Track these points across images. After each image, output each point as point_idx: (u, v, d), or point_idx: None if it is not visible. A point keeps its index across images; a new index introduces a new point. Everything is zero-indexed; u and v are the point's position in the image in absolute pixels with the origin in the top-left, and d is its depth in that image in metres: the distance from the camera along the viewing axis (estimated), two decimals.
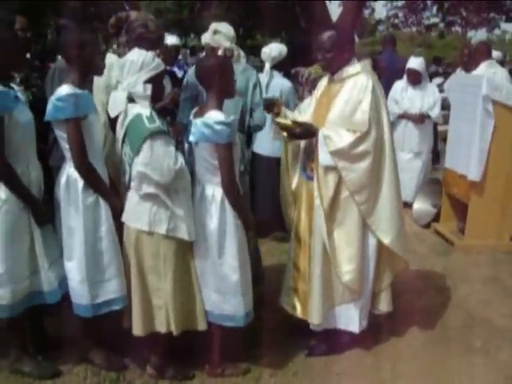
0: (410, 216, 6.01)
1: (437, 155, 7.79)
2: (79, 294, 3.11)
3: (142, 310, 3.09)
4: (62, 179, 3.08)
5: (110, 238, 3.10)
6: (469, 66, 6.87)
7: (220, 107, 3.04)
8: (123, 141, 3.01)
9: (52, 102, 2.96)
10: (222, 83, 3.06)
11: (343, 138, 3.22)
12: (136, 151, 2.90)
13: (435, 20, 17.85)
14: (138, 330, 3.11)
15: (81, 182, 3.03)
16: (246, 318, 3.17)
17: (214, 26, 4.21)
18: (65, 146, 3.03)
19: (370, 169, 3.27)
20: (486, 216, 5.21)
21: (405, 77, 6.64)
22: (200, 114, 3.06)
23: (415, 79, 6.52)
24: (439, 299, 4.29)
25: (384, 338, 3.74)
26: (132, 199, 3.04)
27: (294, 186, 3.66)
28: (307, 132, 3.33)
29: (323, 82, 3.57)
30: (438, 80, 9.01)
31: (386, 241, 3.39)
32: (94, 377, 3.27)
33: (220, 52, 3.94)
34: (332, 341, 3.58)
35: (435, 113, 6.54)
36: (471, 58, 6.61)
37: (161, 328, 3.11)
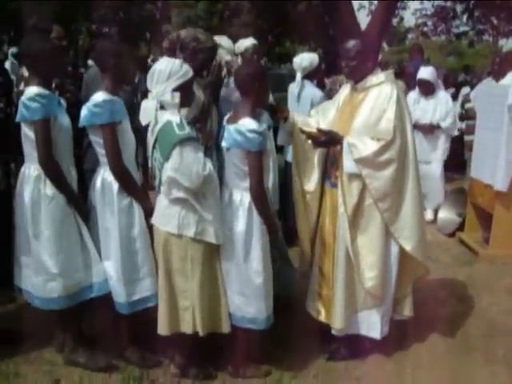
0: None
1: (463, 164, 7.75)
2: (116, 292, 3.25)
3: (168, 311, 3.18)
4: (97, 182, 3.22)
5: (143, 238, 3.23)
6: (497, 75, 6.79)
7: (253, 115, 3.10)
8: (154, 147, 3.10)
9: (88, 107, 3.10)
10: (258, 91, 3.14)
11: (368, 146, 3.27)
12: (166, 157, 2.98)
13: (465, 28, 17.72)
14: (163, 329, 3.19)
15: (116, 185, 3.16)
16: (267, 321, 3.23)
17: (215, 39, 4.34)
18: (100, 150, 3.17)
19: (394, 177, 3.31)
20: (511, 226, 5.19)
21: (417, 87, 6.57)
22: (233, 120, 3.14)
23: (427, 90, 6.42)
24: (462, 308, 4.29)
25: (405, 344, 3.75)
26: (162, 203, 3.13)
27: (310, 187, 3.66)
28: (332, 140, 3.38)
29: (345, 91, 3.63)
30: (465, 89, 8.91)
31: (408, 248, 3.42)
32: (119, 374, 3.37)
33: (223, 63, 4.08)
34: (353, 346, 3.61)
35: (447, 123, 6.38)
36: (499, 67, 6.51)
37: (187, 329, 3.19)
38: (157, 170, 3.11)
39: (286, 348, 3.63)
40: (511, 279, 4.84)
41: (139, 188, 3.30)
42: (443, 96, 6.55)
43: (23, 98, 3.09)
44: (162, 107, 3.07)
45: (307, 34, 20.02)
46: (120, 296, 3.24)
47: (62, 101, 3.29)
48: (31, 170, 3.17)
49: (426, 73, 6.44)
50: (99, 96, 3.11)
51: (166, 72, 3.04)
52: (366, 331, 3.55)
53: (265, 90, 3.22)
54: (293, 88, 5.45)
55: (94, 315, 3.57)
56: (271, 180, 4.76)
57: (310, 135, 3.42)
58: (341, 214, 3.40)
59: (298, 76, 5.38)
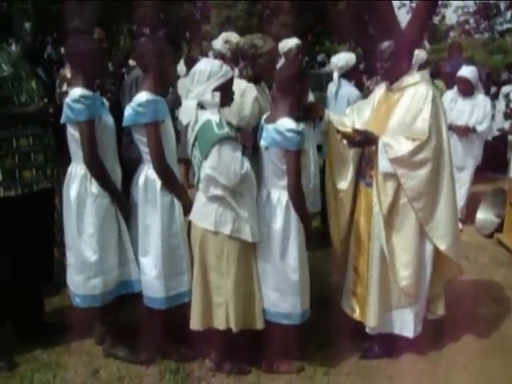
0: None
1: (505, 164, 7.62)
2: (155, 287, 3.32)
3: (202, 306, 3.24)
4: (140, 180, 3.31)
5: (182, 234, 3.32)
6: None
7: (292, 115, 3.14)
8: (193, 145, 3.17)
9: (132, 107, 3.19)
10: (298, 92, 3.18)
11: (403, 146, 3.29)
12: (205, 155, 3.05)
13: (509, 25, 17.37)
14: (196, 324, 3.27)
15: (159, 183, 3.25)
16: (302, 316, 3.28)
17: (224, 35, 4.59)
18: (144, 148, 3.26)
19: (429, 176, 3.32)
20: None
21: (455, 86, 6.33)
22: (271, 119, 3.19)
23: (466, 89, 6.16)
24: (498, 309, 4.28)
25: (440, 344, 3.75)
26: (200, 200, 3.20)
27: (344, 186, 3.67)
28: (367, 140, 3.41)
29: (380, 91, 3.64)
30: (508, 88, 8.74)
31: (443, 247, 3.43)
32: (156, 366, 3.46)
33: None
34: (386, 344, 3.62)
35: (483, 127, 6.08)
36: None
37: (220, 325, 3.24)
38: (196, 168, 3.19)
39: (320, 345, 3.67)
40: None
41: (180, 186, 3.39)
42: (482, 99, 6.27)
43: (68, 100, 3.18)
44: (202, 107, 3.14)
45: (347, 33, 19.87)
46: (158, 291, 3.31)
47: (105, 100, 3.38)
48: (78, 169, 3.27)
49: (467, 71, 6.19)
50: (143, 96, 3.19)
51: (207, 72, 3.10)
52: (399, 330, 3.56)
53: (304, 90, 3.26)
54: (331, 87, 5.49)
55: (133, 310, 3.64)
56: (312, 180, 4.84)
57: (345, 135, 3.45)
58: (376, 213, 3.43)
59: (335, 75, 5.43)
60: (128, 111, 3.21)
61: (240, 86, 3.51)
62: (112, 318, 3.53)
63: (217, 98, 3.09)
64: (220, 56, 4.80)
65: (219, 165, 3.01)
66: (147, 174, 3.30)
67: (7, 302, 3.52)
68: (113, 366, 3.47)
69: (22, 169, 3.38)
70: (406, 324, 3.54)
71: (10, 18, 3.47)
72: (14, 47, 4.52)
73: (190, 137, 3.19)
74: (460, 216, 5.89)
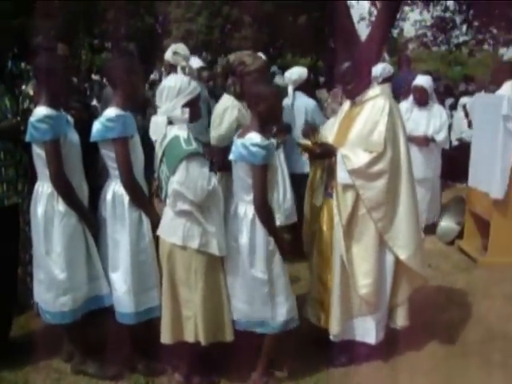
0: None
1: (465, 174, 7.77)
2: (124, 303, 3.33)
3: (171, 320, 3.26)
4: (108, 195, 3.32)
5: (151, 250, 3.34)
6: (493, 86, 6.87)
7: (261, 130, 3.18)
8: (161, 160, 3.19)
9: (101, 122, 3.20)
10: (268, 109, 3.21)
11: (360, 158, 3.38)
12: (172, 170, 3.08)
13: (465, 38, 17.86)
14: (166, 338, 3.29)
15: (126, 198, 3.27)
16: (281, 325, 3.30)
17: (173, 47, 4.75)
18: (111, 164, 3.27)
19: (387, 187, 3.40)
20: (509, 233, 5.27)
21: (410, 97, 6.27)
22: (242, 134, 3.23)
23: (422, 98, 6.11)
24: (460, 314, 4.36)
25: (404, 350, 3.80)
26: (167, 215, 3.22)
27: (317, 203, 3.80)
28: (327, 152, 3.51)
29: (347, 104, 3.74)
30: (465, 99, 8.95)
31: (403, 257, 3.50)
32: (125, 382, 3.45)
33: (179, 69, 4.45)
34: (352, 352, 3.68)
35: (441, 137, 6.11)
36: (496, 78, 6.58)
37: (189, 338, 3.27)
38: (163, 183, 3.21)
39: (287, 355, 3.70)
40: (509, 286, 4.90)
41: (148, 201, 3.41)
42: (437, 109, 6.27)
43: (32, 119, 3.18)
44: (171, 122, 3.17)
45: (308, 46, 20.18)
46: (127, 307, 3.32)
47: (70, 117, 3.38)
48: (44, 187, 3.27)
49: (422, 80, 6.18)
50: (112, 111, 3.21)
51: (176, 89, 3.14)
52: (361, 337, 3.63)
53: (275, 107, 3.27)
54: (286, 101, 5.60)
55: (101, 326, 3.65)
56: (288, 193, 4.94)
57: (306, 148, 3.54)
58: (336, 223, 3.51)
59: (290, 89, 5.57)
60: (97, 126, 3.22)
61: (226, 102, 3.55)
62: (80, 334, 3.51)
63: (186, 113, 3.12)
64: (169, 66, 4.90)
65: (187, 180, 3.03)
66: (115, 189, 3.31)
67: None
68: (82, 382, 3.45)
69: None
70: (367, 331, 3.61)
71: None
72: None
73: (158, 152, 3.21)
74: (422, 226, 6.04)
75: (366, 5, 16.30)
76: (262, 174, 3.12)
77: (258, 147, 3.08)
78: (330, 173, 3.59)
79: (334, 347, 3.69)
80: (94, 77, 15.12)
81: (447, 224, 6.42)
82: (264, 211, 3.20)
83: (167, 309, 3.26)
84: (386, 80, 6.39)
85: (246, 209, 3.22)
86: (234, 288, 3.30)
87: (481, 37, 17.88)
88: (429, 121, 6.15)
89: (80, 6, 16.29)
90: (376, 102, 3.47)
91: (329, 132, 3.78)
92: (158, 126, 3.18)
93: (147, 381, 3.46)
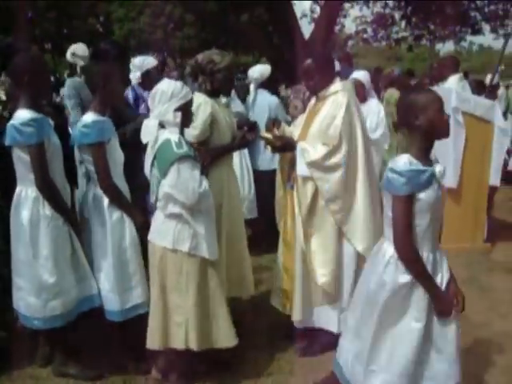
0: None
1: None
2: (110, 301, 3.36)
3: (160, 326, 3.24)
4: (89, 198, 3.35)
5: (134, 249, 3.37)
6: (437, 80, 7.12)
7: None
8: (152, 164, 3.20)
9: (78, 128, 3.22)
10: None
11: (317, 151, 3.50)
12: (163, 173, 3.10)
13: (404, 34, 18.31)
14: (153, 343, 3.27)
15: (106, 200, 3.30)
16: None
17: (72, 48, 5.00)
18: (90, 168, 3.30)
19: (343, 180, 3.52)
20: (461, 220, 5.53)
21: None
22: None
23: (359, 93, 5.35)
24: None
25: None
26: (158, 218, 3.24)
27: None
28: (287, 145, 3.64)
29: (312, 100, 3.85)
30: None
31: (360, 248, 3.60)
32: (103, 382, 3.46)
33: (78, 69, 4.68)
34: (323, 341, 3.79)
35: (377, 134, 5.74)
36: (439, 72, 6.82)
37: (179, 345, 3.24)
38: (154, 186, 3.22)
39: (260, 346, 3.80)
40: (464, 270, 5.16)
41: (128, 202, 3.42)
42: (375, 104, 5.93)
43: (15, 123, 3.12)
44: (162, 126, 3.19)
45: (251, 43, 20.24)
46: (113, 305, 3.35)
47: (50, 120, 3.35)
48: (28, 192, 3.23)
49: (359, 74, 5.85)
50: (88, 117, 3.23)
51: (169, 93, 3.15)
52: (325, 325, 3.74)
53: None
54: (248, 98, 5.69)
55: (82, 326, 3.62)
56: (252, 189, 5.06)
57: (267, 141, 3.64)
58: (297, 213, 3.63)
59: (251, 86, 5.65)
60: (74, 132, 3.25)
61: (198, 99, 3.61)
62: (63, 337, 3.49)
63: (178, 118, 3.15)
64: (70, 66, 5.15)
65: (178, 183, 3.05)
66: (95, 191, 3.34)
67: None
68: None
69: None
70: (330, 319, 3.71)
71: None
72: None
73: (150, 155, 3.22)
74: None
75: (308, 2, 16.49)
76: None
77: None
78: (292, 165, 3.69)
79: (305, 336, 3.80)
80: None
81: None
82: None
83: (156, 314, 3.26)
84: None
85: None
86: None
87: (419, 32, 18.35)
88: (365, 117, 5.87)
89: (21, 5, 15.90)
90: (336, 98, 3.58)
91: (297, 127, 3.88)
92: (149, 129, 3.20)
93: (124, 381, 3.46)
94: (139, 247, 3.40)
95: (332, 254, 3.59)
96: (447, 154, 5.41)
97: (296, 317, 3.69)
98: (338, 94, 3.60)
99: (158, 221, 3.24)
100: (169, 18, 23.26)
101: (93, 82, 3.37)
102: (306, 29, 13.65)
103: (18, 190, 3.30)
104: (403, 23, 17.12)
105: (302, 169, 3.55)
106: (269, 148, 3.84)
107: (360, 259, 3.64)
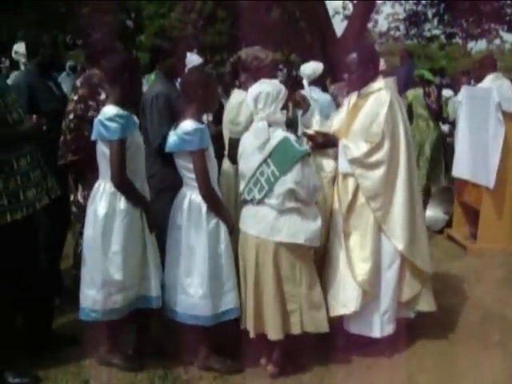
0: None
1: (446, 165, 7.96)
2: (201, 306, 3.35)
3: (279, 316, 3.33)
4: (184, 203, 3.38)
5: (228, 254, 3.39)
6: (475, 79, 7.06)
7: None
8: (264, 162, 3.27)
9: (178, 135, 3.27)
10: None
11: (360, 148, 3.52)
12: (285, 171, 3.20)
13: (436, 32, 18.13)
14: (276, 333, 3.35)
15: (204, 207, 3.33)
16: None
17: (15, 46, 5.35)
18: (188, 174, 3.35)
19: (384, 177, 3.53)
20: (497, 220, 5.49)
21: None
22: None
23: None
24: (457, 299, 4.57)
25: (408, 335, 3.89)
26: (268, 215, 3.30)
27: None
28: (329, 142, 3.66)
29: (353, 97, 3.85)
30: (447, 92, 9.06)
31: (400, 247, 3.60)
32: (144, 373, 3.51)
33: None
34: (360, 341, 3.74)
35: None
36: (477, 71, 6.78)
37: (296, 330, 3.37)
38: (263, 184, 3.28)
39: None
40: (500, 270, 5.14)
41: (226, 208, 3.47)
42: None
43: (102, 118, 3.19)
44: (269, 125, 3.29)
45: (282, 40, 20.22)
46: (205, 310, 3.34)
47: (136, 118, 3.40)
48: (107, 186, 3.27)
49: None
50: (189, 124, 3.26)
51: (274, 94, 3.28)
52: (367, 331, 3.68)
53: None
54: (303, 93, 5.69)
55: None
56: None
57: (310, 137, 3.65)
58: (336, 210, 3.64)
59: (305, 82, 5.67)
60: (173, 138, 3.30)
61: (240, 96, 3.67)
62: (116, 327, 3.54)
63: (284, 116, 3.27)
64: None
65: (302, 179, 3.19)
66: (191, 197, 3.37)
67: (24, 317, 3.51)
68: (102, 375, 3.49)
69: (25, 189, 3.26)
70: (372, 325, 3.66)
71: None
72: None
73: (256, 155, 3.30)
74: None
75: None
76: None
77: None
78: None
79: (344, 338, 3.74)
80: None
81: (435, 213, 6.61)
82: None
83: (274, 306, 3.33)
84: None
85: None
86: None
87: (451, 30, 18.15)
88: None
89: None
90: (379, 95, 3.59)
91: (336, 121, 3.90)
92: (260, 131, 3.28)
93: (166, 372, 3.51)
94: (232, 253, 3.43)
95: (370, 251, 3.59)
96: (485, 153, 5.37)
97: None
98: (381, 92, 3.60)
99: (269, 217, 3.30)
100: (199, 15, 23.34)
101: (189, 91, 3.38)
102: (339, 26, 13.62)
103: (97, 183, 3.37)
104: (435, 21, 16.94)
105: (343, 165, 3.57)
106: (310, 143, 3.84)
107: (400, 258, 3.65)
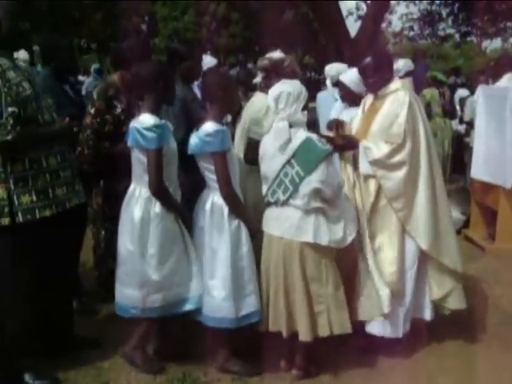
0: None
1: (463, 166, 7.93)
2: (224, 308, 3.36)
3: (308, 317, 3.33)
4: (207, 205, 3.40)
5: (250, 257, 3.40)
6: (492, 78, 7.03)
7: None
8: (287, 162, 3.29)
9: (199, 136, 3.29)
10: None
11: (381, 149, 3.53)
12: (310, 170, 3.22)
13: (450, 31, 18.06)
14: (306, 335, 3.34)
15: (226, 209, 3.35)
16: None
17: (15, 54, 4.87)
18: (210, 176, 3.36)
19: (406, 178, 3.54)
20: None
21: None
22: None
23: (346, 96, 4.77)
24: (477, 300, 4.49)
25: (429, 337, 3.92)
26: (294, 215, 3.31)
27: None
28: (349, 144, 3.66)
29: (369, 98, 3.87)
30: (462, 92, 9.01)
31: (424, 246, 3.61)
32: (162, 375, 3.53)
33: None
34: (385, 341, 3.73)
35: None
36: (494, 70, 6.74)
37: (324, 332, 3.35)
38: (287, 184, 3.30)
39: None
40: None
41: (247, 210, 3.49)
42: None
43: (139, 126, 3.23)
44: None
45: (296, 42, 20.24)
46: (228, 312, 3.35)
47: (170, 125, 3.44)
48: (142, 191, 3.31)
49: (345, 77, 4.75)
50: (210, 126, 3.29)
51: (295, 94, 3.30)
52: (391, 333, 3.66)
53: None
54: (323, 95, 5.70)
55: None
56: None
57: (329, 139, 3.66)
58: (360, 211, 3.62)
59: (328, 83, 5.69)
60: (195, 140, 3.32)
61: (264, 100, 3.68)
62: (151, 327, 3.55)
63: (305, 116, 3.29)
64: None
65: (327, 178, 3.22)
66: (214, 199, 3.38)
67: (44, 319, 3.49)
68: (121, 377, 3.52)
69: (54, 187, 3.30)
70: (396, 325, 3.65)
71: (19, 32, 3.37)
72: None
73: (278, 157, 3.32)
74: None
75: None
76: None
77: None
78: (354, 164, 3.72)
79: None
80: (81, 78, 15.12)
81: (452, 214, 6.54)
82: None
83: (303, 307, 3.33)
84: (407, 74, 6.48)
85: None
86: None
87: (466, 29, 18.07)
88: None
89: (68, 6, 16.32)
90: (397, 96, 3.61)
91: (353, 125, 3.91)
92: (281, 131, 3.30)
93: (184, 374, 3.52)
94: (253, 255, 3.43)
95: (397, 252, 3.60)
96: (502, 153, 5.33)
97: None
98: (398, 93, 3.62)
99: (294, 217, 3.31)
100: (213, 17, 23.45)
101: (210, 93, 3.41)
102: (352, 27, 13.60)
103: (132, 187, 3.42)
104: (450, 20, 16.88)
105: (365, 167, 3.58)
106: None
107: (421, 257, 3.66)
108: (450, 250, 3.74)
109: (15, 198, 3.14)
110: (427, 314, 3.79)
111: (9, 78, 3.10)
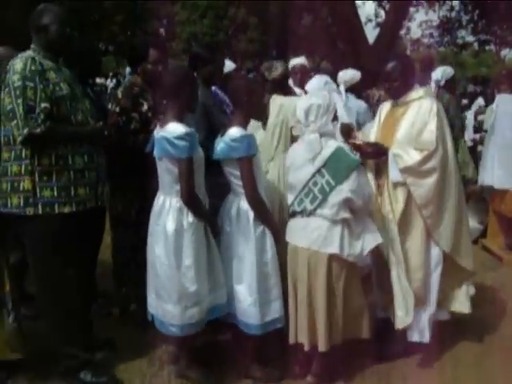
0: None
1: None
2: (250, 314, 3.36)
3: (327, 328, 3.33)
4: (233, 210, 3.40)
5: (274, 263, 3.40)
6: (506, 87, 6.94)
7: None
8: (317, 172, 3.30)
9: (226, 142, 3.29)
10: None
11: (412, 157, 3.53)
12: (341, 180, 3.23)
13: (469, 39, 17.99)
14: (324, 346, 3.34)
15: (251, 214, 3.35)
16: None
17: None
18: (236, 181, 3.37)
19: (437, 184, 3.56)
20: None
21: None
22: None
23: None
24: (493, 311, 4.49)
25: (443, 346, 3.90)
26: (322, 226, 3.31)
27: None
28: (378, 151, 3.65)
29: (386, 107, 3.88)
30: (480, 101, 8.96)
31: (447, 249, 3.65)
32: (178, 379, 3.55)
33: None
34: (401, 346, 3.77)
35: None
36: (509, 79, 6.66)
37: (337, 339, 3.38)
38: (312, 194, 3.31)
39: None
40: None
41: (272, 216, 3.50)
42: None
43: (168, 136, 3.17)
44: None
45: (313, 47, 20.26)
46: (254, 318, 3.35)
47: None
48: (173, 202, 3.28)
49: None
50: (236, 131, 3.29)
51: (325, 105, 3.32)
52: (419, 337, 3.67)
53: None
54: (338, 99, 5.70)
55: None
56: None
57: (357, 147, 3.65)
58: (389, 220, 3.62)
59: (342, 88, 5.67)
60: (221, 145, 3.33)
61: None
62: (193, 341, 3.55)
63: (336, 127, 3.32)
64: None
65: (358, 188, 3.23)
66: (240, 205, 3.39)
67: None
68: (136, 379, 3.56)
69: (76, 186, 3.33)
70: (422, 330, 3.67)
71: (65, 38, 3.39)
72: None
73: (306, 167, 3.33)
74: None
75: (373, 6, 16.40)
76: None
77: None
78: (378, 172, 3.73)
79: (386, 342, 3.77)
80: (99, 80, 15.23)
81: (470, 224, 6.49)
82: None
83: (324, 318, 3.33)
84: (447, 82, 6.37)
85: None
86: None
87: (485, 37, 17.98)
88: None
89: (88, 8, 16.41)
90: (423, 103, 3.62)
91: (368, 132, 3.92)
92: (313, 143, 3.30)
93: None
94: (278, 261, 3.43)
95: (423, 258, 3.62)
96: None
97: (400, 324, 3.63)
98: (422, 100, 3.64)
99: (321, 228, 3.30)
100: (232, 21, 23.52)
101: (237, 97, 3.43)
102: (371, 34, 13.61)
103: (161, 199, 3.36)
104: (469, 28, 16.81)
105: (394, 174, 3.58)
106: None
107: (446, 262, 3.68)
108: (468, 252, 3.80)
109: (38, 190, 3.23)
110: (443, 314, 3.82)
111: (48, 78, 3.23)
